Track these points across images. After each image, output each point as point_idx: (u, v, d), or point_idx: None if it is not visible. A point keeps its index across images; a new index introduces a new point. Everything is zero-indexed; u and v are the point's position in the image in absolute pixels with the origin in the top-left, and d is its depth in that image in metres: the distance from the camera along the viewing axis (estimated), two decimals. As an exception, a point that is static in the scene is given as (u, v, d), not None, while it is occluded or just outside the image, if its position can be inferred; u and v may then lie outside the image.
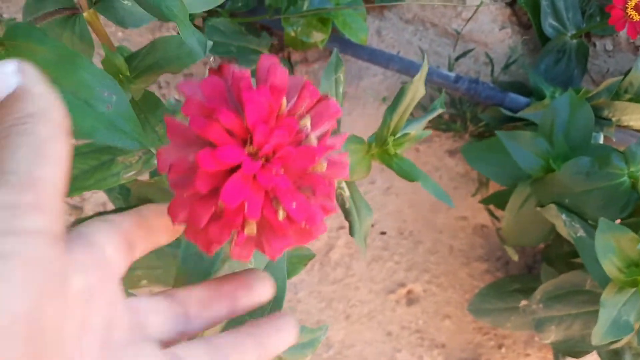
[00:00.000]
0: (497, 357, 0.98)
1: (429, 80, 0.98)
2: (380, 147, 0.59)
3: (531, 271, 0.99)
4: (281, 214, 0.24)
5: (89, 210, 1.03)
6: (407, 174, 0.56)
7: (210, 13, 1.05)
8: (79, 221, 0.26)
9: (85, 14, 0.47)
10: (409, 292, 1.01)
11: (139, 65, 0.54)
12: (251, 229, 0.24)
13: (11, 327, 0.17)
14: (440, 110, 0.60)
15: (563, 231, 0.73)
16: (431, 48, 1.08)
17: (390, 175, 1.04)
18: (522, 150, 0.74)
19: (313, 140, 0.25)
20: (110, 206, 1.05)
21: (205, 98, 0.24)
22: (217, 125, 0.23)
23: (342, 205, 0.63)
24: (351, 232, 0.61)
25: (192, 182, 0.24)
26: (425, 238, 1.02)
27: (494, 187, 1.00)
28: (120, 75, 0.54)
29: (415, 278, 1.01)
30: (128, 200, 0.73)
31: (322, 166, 0.25)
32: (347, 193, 0.65)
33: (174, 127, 0.25)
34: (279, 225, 0.24)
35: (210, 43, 0.53)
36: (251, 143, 0.23)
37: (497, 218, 0.99)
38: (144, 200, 0.74)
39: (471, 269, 1.01)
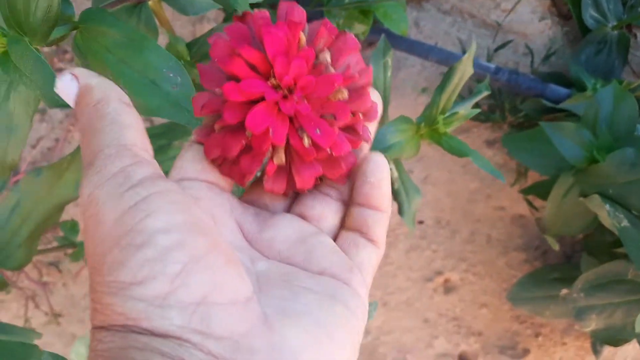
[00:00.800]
0: (534, 345, 1.00)
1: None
2: (430, 126, 0.61)
3: (569, 261, 1.00)
4: (306, 141, 0.26)
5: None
6: (457, 150, 0.57)
7: (251, 5, 1.07)
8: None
9: (150, 2, 0.50)
10: (447, 280, 1.02)
11: (198, 51, 0.56)
12: (280, 158, 0.26)
13: (184, 232, 0.21)
14: (485, 93, 0.61)
15: (606, 221, 0.74)
16: (469, 39, 1.09)
17: (428, 165, 1.06)
18: (565, 140, 0.75)
19: (332, 70, 0.26)
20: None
21: (230, 39, 0.26)
22: (239, 60, 0.25)
23: (391, 186, 0.64)
24: (400, 212, 0.63)
25: (222, 117, 0.26)
26: (463, 227, 1.03)
27: (532, 177, 1.01)
28: (182, 60, 0.56)
29: (452, 267, 1.02)
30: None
31: (342, 94, 0.26)
32: (395, 174, 0.67)
33: (206, 72, 0.27)
34: (306, 152, 0.26)
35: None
36: (274, 76, 0.25)
37: (535, 208, 1.00)
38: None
39: (509, 259, 1.02)
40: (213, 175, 0.27)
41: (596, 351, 0.90)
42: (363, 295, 0.26)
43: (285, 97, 0.25)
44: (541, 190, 0.88)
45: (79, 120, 0.24)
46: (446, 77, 0.57)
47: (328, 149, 0.26)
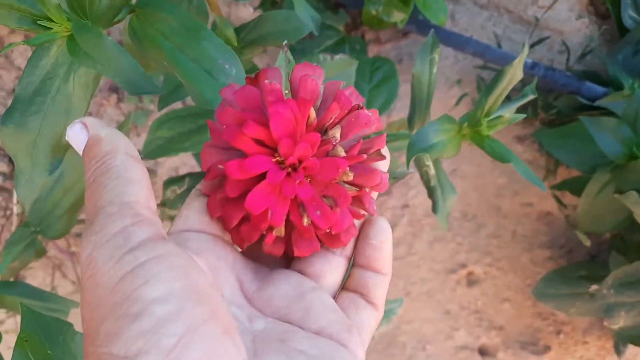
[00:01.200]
0: (556, 342, 1.00)
1: (504, 65, 0.99)
2: (473, 127, 0.61)
3: (594, 260, 1.00)
4: (305, 220, 0.26)
5: (162, 174, 1.07)
6: (500, 155, 0.57)
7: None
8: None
9: (201, -14, 0.50)
10: (470, 273, 1.02)
11: (246, 37, 0.56)
12: (279, 231, 0.26)
13: (182, 300, 0.20)
14: (531, 96, 0.61)
15: (641, 219, 0.73)
16: (505, 34, 1.09)
17: (457, 158, 1.05)
18: (605, 136, 0.75)
19: (340, 151, 0.26)
20: (183, 170, 1.09)
21: (240, 107, 0.26)
22: (245, 137, 0.24)
23: (427, 183, 0.64)
24: (434, 210, 0.63)
25: (222, 188, 0.26)
26: (489, 222, 1.03)
27: (561, 174, 1.01)
28: (229, 46, 0.57)
29: (476, 260, 1.02)
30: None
31: (348, 176, 0.26)
32: (432, 172, 0.67)
33: (215, 131, 0.26)
34: (305, 230, 0.26)
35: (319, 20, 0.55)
36: (279, 153, 0.25)
37: (564, 205, 1.00)
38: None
39: (533, 255, 1.02)
40: (217, 228, 0.27)
41: (619, 351, 0.90)
42: (361, 358, 0.25)
43: (288, 174, 0.25)
44: (573, 186, 0.88)
45: (85, 172, 0.24)
46: (495, 80, 0.57)
47: (327, 229, 0.26)
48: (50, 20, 0.32)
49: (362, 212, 0.27)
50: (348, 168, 0.26)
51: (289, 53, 0.35)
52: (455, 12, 1.11)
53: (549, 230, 1.02)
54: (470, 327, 1.01)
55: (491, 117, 0.60)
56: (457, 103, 1.02)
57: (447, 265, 1.02)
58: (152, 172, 1.07)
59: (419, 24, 1.03)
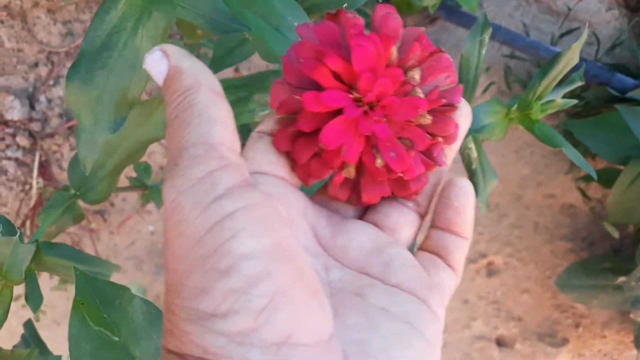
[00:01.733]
0: (574, 335, 0.99)
1: (534, 54, 0.98)
2: (522, 111, 0.60)
3: (616, 254, 0.99)
4: (379, 162, 0.25)
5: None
6: (550, 139, 0.56)
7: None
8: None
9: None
10: (490, 263, 1.02)
11: (304, 3, 0.56)
12: (349, 171, 0.25)
13: (271, 258, 0.20)
14: (579, 83, 0.60)
15: (674, 211, 0.73)
16: (533, 24, 1.08)
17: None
18: (641, 127, 0.74)
19: (419, 92, 0.25)
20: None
21: (318, 41, 0.25)
22: (324, 69, 0.24)
23: (469, 166, 0.64)
24: (476, 194, 0.62)
25: (296, 119, 0.25)
26: (511, 212, 1.03)
27: (586, 167, 1.00)
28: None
29: (497, 250, 1.02)
30: (246, 138, 0.75)
31: (425, 119, 0.25)
32: (474, 154, 0.66)
33: (289, 67, 0.26)
34: (377, 172, 0.25)
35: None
36: (357, 89, 0.24)
37: (588, 198, 0.99)
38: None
39: (555, 247, 1.01)
40: (285, 170, 0.26)
41: (639, 345, 0.89)
42: (441, 318, 0.24)
43: (365, 112, 0.24)
44: (602, 178, 0.87)
45: (166, 106, 0.22)
46: (550, 64, 0.56)
47: (400, 173, 0.25)
48: None
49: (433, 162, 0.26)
50: (426, 111, 0.25)
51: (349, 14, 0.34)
52: (484, 0, 1.10)
53: (572, 222, 1.01)
54: (488, 317, 1.00)
55: (543, 100, 0.59)
56: (485, 91, 1.01)
57: (467, 254, 1.02)
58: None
59: (448, 9, 1.02)
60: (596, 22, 1.06)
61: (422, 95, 0.25)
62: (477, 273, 1.01)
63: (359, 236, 0.25)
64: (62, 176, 1.03)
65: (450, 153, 0.27)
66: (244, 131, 0.76)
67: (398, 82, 0.24)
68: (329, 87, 0.24)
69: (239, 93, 0.64)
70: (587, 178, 0.92)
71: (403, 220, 0.26)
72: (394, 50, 0.25)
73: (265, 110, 0.64)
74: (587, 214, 1.01)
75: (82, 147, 0.34)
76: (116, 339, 0.35)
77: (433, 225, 0.26)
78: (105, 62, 0.34)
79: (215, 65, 0.54)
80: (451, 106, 0.26)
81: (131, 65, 0.34)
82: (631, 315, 0.77)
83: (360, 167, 0.26)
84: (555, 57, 0.56)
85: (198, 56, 1.08)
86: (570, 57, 0.57)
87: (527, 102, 0.59)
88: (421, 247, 0.27)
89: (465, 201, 0.26)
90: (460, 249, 0.26)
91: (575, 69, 0.96)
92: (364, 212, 0.28)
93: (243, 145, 0.27)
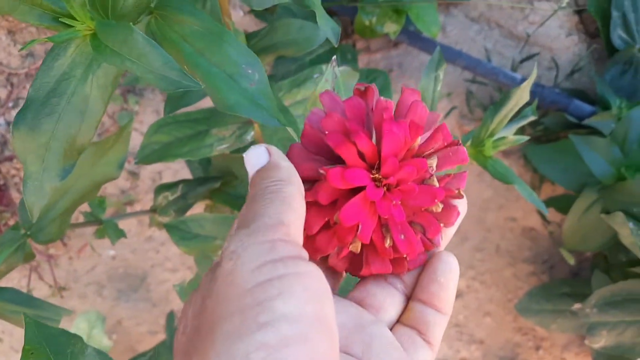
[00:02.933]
0: (534, 358, 1.00)
1: (494, 80, 0.99)
2: (475, 147, 0.61)
3: (575, 277, 1.00)
4: (388, 242, 0.26)
5: (145, 177, 1.05)
6: (503, 176, 0.57)
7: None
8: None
9: (216, -8, 0.49)
10: (453, 286, 1.02)
11: (257, 44, 0.55)
12: (356, 247, 0.26)
13: (310, 326, 0.20)
14: (532, 118, 0.61)
15: (627, 239, 0.74)
16: (495, 48, 1.09)
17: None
18: (594, 155, 0.75)
19: (435, 181, 0.26)
20: (166, 175, 1.07)
21: (346, 117, 0.26)
22: (352, 147, 0.24)
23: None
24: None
25: (313, 189, 0.25)
26: (473, 235, 1.03)
27: (545, 191, 1.01)
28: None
29: (460, 273, 1.02)
30: (207, 170, 0.74)
31: (438, 207, 0.26)
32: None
33: (310, 133, 0.26)
34: (384, 250, 0.26)
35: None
36: (378, 170, 0.25)
37: (548, 221, 1.00)
38: (224, 173, 0.76)
39: (516, 270, 1.02)
40: None
41: (597, 369, 0.90)
42: None
43: (384, 195, 0.25)
44: (559, 203, 0.88)
45: (252, 188, 0.24)
46: (501, 101, 0.57)
47: (405, 255, 0.26)
48: (73, 18, 0.31)
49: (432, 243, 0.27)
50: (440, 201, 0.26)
51: (337, 68, 0.35)
52: (447, 24, 1.11)
53: (533, 245, 1.02)
54: (451, 340, 1.01)
55: (495, 137, 0.60)
56: (447, 115, 1.02)
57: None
58: (134, 174, 1.05)
59: (410, 34, 1.03)
60: (556, 47, 1.08)
61: (437, 184, 0.26)
62: (440, 296, 1.02)
63: (342, 314, 0.26)
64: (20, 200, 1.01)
65: (446, 236, 0.28)
66: (203, 162, 0.76)
67: (422, 172, 0.25)
68: (352, 165, 0.25)
69: (198, 127, 0.64)
70: (546, 203, 0.93)
71: (389, 301, 0.27)
72: (418, 139, 0.26)
73: (223, 145, 0.63)
74: (547, 238, 1.02)
75: (28, 194, 0.34)
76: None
77: (415, 298, 0.27)
78: (54, 109, 0.33)
79: (170, 106, 0.53)
80: (458, 194, 0.27)
81: (80, 112, 0.34)
82: (586, 342, 0.78)
83: (365, 244, 0.26)
84: (506, 95, 0.57)
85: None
86: (521, 96, 0.58)
87: (480, 139, 0.60)
88: (400, 320, 0.27)
89: (450, 276, 0.27)
90: (440, 325, 0.27)
91: (535, 94, 0.97)
92: (336, 286, 0.28)
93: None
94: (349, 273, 0.28)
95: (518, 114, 0.64)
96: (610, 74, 1.00)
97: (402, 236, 0.25)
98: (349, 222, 0.24)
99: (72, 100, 0.33)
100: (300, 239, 0.23)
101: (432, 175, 0.26)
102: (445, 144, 0.27)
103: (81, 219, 0.90)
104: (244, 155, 0.25)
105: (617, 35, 1.01)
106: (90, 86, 0.33)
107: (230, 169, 0.69)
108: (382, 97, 0.26)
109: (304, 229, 0.25)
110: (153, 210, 0.65)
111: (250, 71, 0.35)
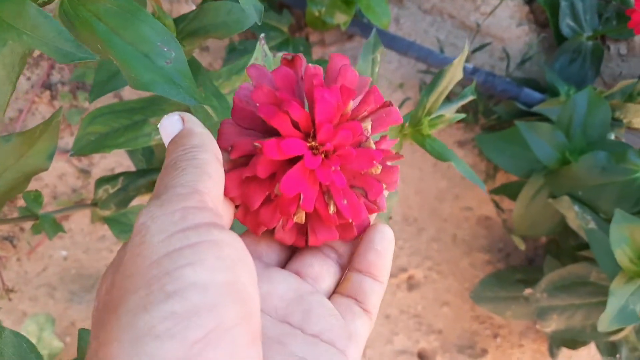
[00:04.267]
0: (492, 345, 1.00)
1: (446, 70, 0.99)
2: (414, 127, 0.60)
3: (531, 264, 1.01)
4: (332, 208, 0.25)
5: (96, 174, 1.03)
6: (440, 154, 0.57)
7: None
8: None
9: (141, -27, 0.48)
10: (410, 277, 1.02)
11: (185, 28, 0.54)
12: (300, 217, 0.26)
13: (221, 294, 0.19)
14: (471, 97, 0.61)
15: (574, 223, 0.75)
16: (447, 39, 1.10)
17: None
18: (540, 141, 0.76)
19: (372, 144, 0.26)
20: (118, 171, 1.05)
21: (276, 87, 0.26)
22: (286, 117, 0.24)
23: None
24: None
25: (250, 164, 0.25)
26: (430, 225, 1.03)
27: (500, 179, 1.02)
28: (168, 31, 0.55)
29: (417, 264, 1.02)
30: (151, 161, 0.73)
31: (377, 169, 0.26)
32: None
33: (240, 108, 0.26)
34: (328, 218, 0.26)
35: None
36: (313, 137, 0.25)
37: (502, 209, 1.01)
38: (168, 162, 0.74)
39: (473, 259, 1.03)
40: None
41: (552, 354, 0.91)
42: None
43: (322, 162, 0.25)
44: (510, 191, 0.89)
45: (167, 156, 0.24)
46: (435, 79, 0.57)
47: (350, 219, 0.26)
48: None
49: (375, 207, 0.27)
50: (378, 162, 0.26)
51: (266, 46, 0.35)
52: (400, 16, 1.11)
53: (488, 234, 1.03)
54: (409, 331, 1.01)
55: (432, 116, 0.60)
56: (400, 106, 1.02)
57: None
58: (85, 172, 1.03)
59: (363, 27, 1.02)
60: (507, 37, 1.09)
61: (374, 147, 0.26)
62: (398, 287, 1.02)
63: (281, 284, 0.26)
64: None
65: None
66: (146, 153, 0.74)
67: (357, 134, 0.25)
68: (287, 135, 0.24)
69: (135, 117, 0.63)
70: (498, 191, 0.94)
71: (326, 271, 0.27)
72: (351, 103, 0.25)
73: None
74: (502, 226, 1.03)
75: None
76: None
77: (352, 268, 0.27)
78: None
79: (96, 91, 0.52)
80: (397, 155, 0.27)
81: None
82: (537, 326, 0.79)
83: (310, 214, 0.26)
84: (439, 74, 0.57)
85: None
86: (454, 73, 0.58)
87: (418, 118, 0.59)
88: (338, 291, 0.27)
89: (387, 246, 0.27)
90: (377, 293, 0.27)
91: (486, 83, 0.98)
92: (287, 259, 0.28)
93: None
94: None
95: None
96: (560, 62, 1.01)
97: (345, 201, 0.25)
98: (290, 192, 0.24)
99: None
100: (217, 206, 0.23)
101: (368, 138, 0.26)
102: (378, 106, 0.27)
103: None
104: (159, 125, 0.25)
105: (566, 24, 1.02)
106: None
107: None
108: (310, 64, 0.26)
109: (247, 204, 0.25)
110: (94, 204, 0.64)
111: (166, 49, 0.35)
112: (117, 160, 1.04)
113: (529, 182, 0.80)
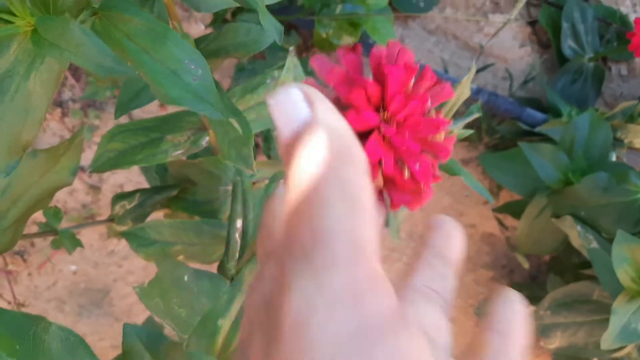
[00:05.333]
0: (496, 361, 1.02)
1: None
2: (423, 142, 0.62)
3: (534, 280, 1.03)
4: (406, 173, 0.28)
5: (106, 190, 1.05)
6: (449, 168, 0.59)
7: (240, 9, 1.08)
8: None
9: (164, -5, 0.50)
10: (415, 293, 1.04)
11: (206, 48, 0.57)
12: (379, 182, 0.28)
13: None
14: (476, 115, 0.63)
15: (576, 242, 0.76)
16: (451, 59, 1.12)
17: (404, 179, 1.07)
18: (542, 162, 0.78)
19: (434, 114, 0.29)
20: (127, 188, 1.07)
21: (348, 69, 0.28)
22: (362, 92, 0.27)
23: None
24: (386, 223, 0.64)
25: None
26: (434, 242, 1.05)
27: (504, 197, 1.03)
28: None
29: (421, 280, 1.04)
30: (164, 179, 0.75)
31: (441, 136, 0.28)
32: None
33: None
34: (402, 182, 0.28)
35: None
36: (384, 110, 0.27)
37: (505, 227, 1.02)
38: (182, 180, 0.76)
39: (477, 275, 1.04)
40: None
41: (556, 370, 0.92)
42: None
43: (396, 131, 0.27)
44: (514, 209, 0.90)
45: (292, 172, 0.17)
46: None
47: (422, 183, 0.28)
48: (12, 14, 0.32)
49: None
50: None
51: (295, 58, 0.38)
52: (405, 37, 1.14)
53: (491, 251, 1.04)
54: (414, 346, 1.02)
55: (438, 134, 0.62)
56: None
57: (393, 285, 1.03)
58: (95, 188, 1.05)
59: (369, 47, 1.05)
60: (510, 58, 1.11)
61: (435, 117, 0.29)
62: (403, 303, 1.03)
63: None
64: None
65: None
66: (160, 170, 0.76)
67: (425, 104, 0.27)
68: (362, 109, 0.27)
69: (152, 134, 0.65)
70: (502, 209, 0.96)
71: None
72: (412, 79, 0.28)
73: (179, 151, 0.64)
74: (505, 243, 1.04)
75: None
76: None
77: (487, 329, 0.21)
78: None
79: (121, 109, 0.54)
80: (450, 120, 0.30)
81: (24, 109, 0.34)
82: (541, 343, 0.80)
83: (385, 180, 0.28)
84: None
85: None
86: (462, 91, 0.60)
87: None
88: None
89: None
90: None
91: (489, 102, 1.00)
92: None
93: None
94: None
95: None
96: (562, 82, 1.03)
97: (418, 165, 0.27)
98: (373, 158, 0.26)
99: (15, 97, 0.34)
100: (378, 248, 0.17)
101: (430, 110, 0.28)
102: (432, 83, 0.29)
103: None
104: (269, 101, 0.18)
105: (568, 45, 1.04)
106: (33, 83, 0.34)
107: (188, 176, 0.69)
108: (375, 47, 0.29)
109: None
110: (111, 219, 0.65)
111: (193, 67, 0.37)
112: (127, 177, 1.06)
113: (532, 202, 0.81)
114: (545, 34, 1.11)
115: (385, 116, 0.27)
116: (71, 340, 0.34)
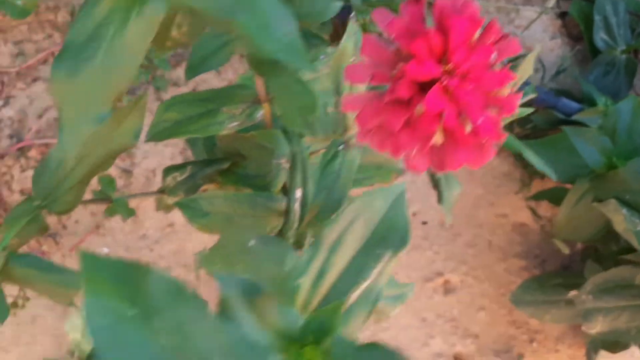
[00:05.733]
0: (529, 350, 1.02)
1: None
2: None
3: (567, 270, 1.03)
4: (468, 127, 0.27)
5: (138, 174, 1.05)
6: (511, 145, 0.59)
7: None
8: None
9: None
10: (446, 281, 1.04)
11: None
12: (439, 137, 0.27)
13: None
14: (532, 95, 0.64)
15: (620, 226, 0.77)
16: (482, 51, 1.12)
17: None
18: (586, 146, 0.78)
19: (500, 68, 0.28)
20: (159, 172, 1.06)
21: (409, 20, 0.28)
22: (424, 42, 0.26)
23: (432, 175, 0.66)
24: (439, 200, 0.64)
25: (389, 90, 0.27)
26: (465, 231, 1.05)
27: (535, 186, 1.04)
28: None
29: (452, 269, 1.04)
30: (212, 152, 0.75)
31: (505, 91, 0.27)
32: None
33: (371, 45, 0.28)
34: (464, 137, 0.27)
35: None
36: (446, 62, 0.26)
37: (539, 216, 1.03)
38: (231, 154, 0.76)
39: (508, 265, 1.04)
40: None
41: (590, 359, 0.92)
42: None
43: (459, 82, 0.26)
44: (553, 196, 0.91)
45: None
46: None
47: (484, 139, 0.27)
48: None
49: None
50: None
51: (356, 25, 0.38)
52: (435, 28, 1.14)
53: (523, 240, 1.05)
54: (446, 334, 1.02)
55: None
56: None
57: (424, 273, 1.04)
58: (128, 172, 1.05)
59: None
60: (541, 49, 1.12)
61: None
62: (435, 291, 1.03)
63: None
64: (12, 198, 1.00)
65: None
66: (208, 144, 0.76)
67: (489, 56, 0.27)
68: (424, 59, 0.26)
69: (208, 105, 0.65)
70: (536, 197, 0.96)
71: None
72: (476, 32, 0.27)
73: (234, 122, 0.64)
74: (538, 233, 1.04)
75: (64, 139, 0.34)
76: (132, 312, 0.34)
77: None
78: (93, 54, 0.34)
79: (191, 71, 0.54)
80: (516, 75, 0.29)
81: (119, 57, 0.34)
82: (583, 328, 0.80)
83: (446, 135, 0.27)
84: (512, 68, 0.59)
85: (154, 78, 1.08)
86: (525, 68, 0.60)
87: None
88: None
89: None
90: None
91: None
92: None
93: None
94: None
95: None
96: (594, 74, 1.04)
97: (481, 120, 0.26)
98: (434, 109, 0.26)
99: (111, 45, 0.34)
100: None
101: (495, 64, 0.27)
102: (499, 37, 0.28)
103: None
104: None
105: (600, 37, 1.05)
106: (129, 31, 0.34)
107: (238, 149, 0.69)
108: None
109: (388, 129, 0.27)
110: (161, 191, 0.65)
111: (283, 23, 0.37)
112: (159, 161, 1.06)
113: (574, 187, 0.82)
114: (575, 27, 1.12)
115: (448, 68, 0.26)
116: (173, 285, 0.34)
